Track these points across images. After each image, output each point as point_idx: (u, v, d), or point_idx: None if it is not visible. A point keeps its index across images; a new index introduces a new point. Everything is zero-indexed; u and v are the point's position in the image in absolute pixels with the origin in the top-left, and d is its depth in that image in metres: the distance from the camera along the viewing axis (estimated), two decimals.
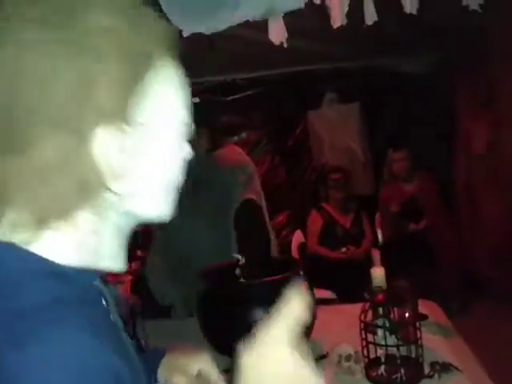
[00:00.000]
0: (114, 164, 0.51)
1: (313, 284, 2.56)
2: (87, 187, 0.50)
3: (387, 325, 1.43)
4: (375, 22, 1.96)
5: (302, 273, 2.01)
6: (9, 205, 0.49)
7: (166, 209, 0.59)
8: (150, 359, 0.89)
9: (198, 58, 3.24)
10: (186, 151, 0.60)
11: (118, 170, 0.51)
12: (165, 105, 0.55)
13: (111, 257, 0.56)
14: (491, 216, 3.49)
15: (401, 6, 1.84)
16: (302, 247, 3.68)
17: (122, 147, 0.51)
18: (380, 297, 1.51)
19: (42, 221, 0.49)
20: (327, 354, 1.57)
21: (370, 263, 2.72)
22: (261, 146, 4.66)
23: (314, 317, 1.73)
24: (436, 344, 1.59)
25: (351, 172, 3.88)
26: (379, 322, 1.44)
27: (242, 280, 1.81)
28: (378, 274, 1.71)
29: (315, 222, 3.65)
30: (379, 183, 4.00)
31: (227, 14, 1.58)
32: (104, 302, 0.56)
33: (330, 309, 2.23)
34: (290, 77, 4.17)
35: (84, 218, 0.52)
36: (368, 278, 1.74)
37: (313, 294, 1.83)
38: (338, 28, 2.16)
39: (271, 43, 1.93)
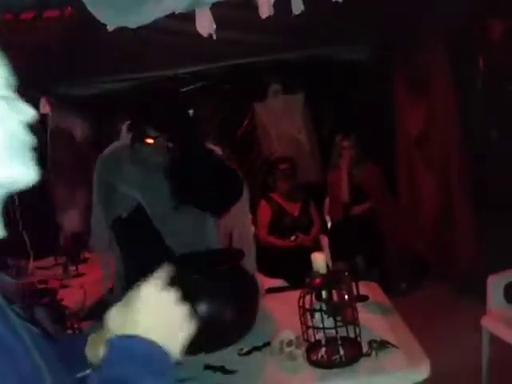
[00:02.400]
0: None
1: (264, 273, 2.59)
2: None
3: (325, 308, 1.46)
4: (308, 12, 1.98)
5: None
6: None
7: (22, 173, 0.61)
8: (76, 344, 0.93)
9: (138, 52, 3.21)
10: (23, 112, 0.61)
11: None
12: None
13: None
14: (430, 198, 3.63)
15: None
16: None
17: None
18: (318, 281, 1.54)
19: None
20: (270, 341, 1.59)
21: (319, 250, 2.78)
22: (209, 139, 4.64)
23: (257, 304, 1.76)
24: (375, 323, 1.64)
25: (298, 162, 3.93)
26: (316, 305, 1.47)
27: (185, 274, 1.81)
28: (317, 259, 1.74)
29: (264, 212, 3.68)
30: (327, 171, 4.07)
31: (151, 6, 1.56)
32: None
33: (278, 297, 2.26)
34: (234, 70, 4.16)
35: None
36: None
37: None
38: (273, 18, 2.18)
39: (201, 35, 1.92)
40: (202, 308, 1.64)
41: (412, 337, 1.58)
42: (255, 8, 2.19)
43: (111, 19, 1.60)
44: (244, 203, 2.09)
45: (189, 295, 1.68)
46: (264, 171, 4.07)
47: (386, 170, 3.85)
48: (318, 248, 3.32)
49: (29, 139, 0.62)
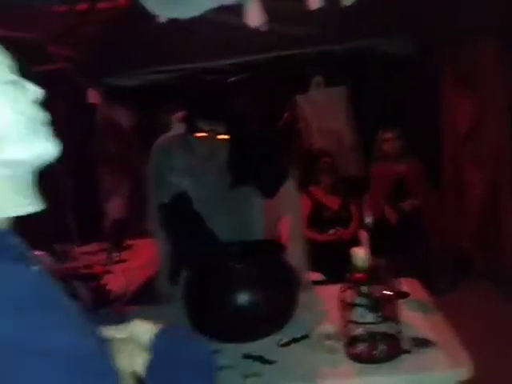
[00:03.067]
0: None
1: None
2: None
3: (366, 303, 1.45)
4: (357, 3, 1.96)
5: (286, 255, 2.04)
6: None
7: (40, 147, 0.63)
8: None
9: (179, 44, 3.26)
10: (32, 91, 0.64)
11: None
12: None
13: (14, 202, 0.61)
14: (476, 195, 3.53)
15: None
16: None
17: None
18: (359, 276, 1.53)
19: None
20: (309, 333, 1.60)
21: (358, 244, 2.75)
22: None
23: (297, 296, 1.77)
24: (416, 321, 1.62)
25: (339, 155, 3.89)
26: (357, 300, 1.46)
27: (228, 263, 1.84)
28: (358, 254, 1.73)
29: (304, 205, 3.67)
30: (368, 165, 4.01)
31: None
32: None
33: (316, 290, 2.26)
34: (276, 61, 4.15)
35: None
36: None
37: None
38: (318, 10, 2.16)
39: (249, 27, 1.93)
40: (242, 297, 1.67)
41: (454, 336, 1.55)
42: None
43: (163, 10, 1.63)
44: (291, 189, 2.12)
45: (226, 284, 1.72)
46: (305, 164, 4.05)
47: (430, 166, 3.77)
48: (357, 242, 3.28)
49: (42, 115, 0.65)
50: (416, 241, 3.52)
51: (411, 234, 3.54)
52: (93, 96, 3.59)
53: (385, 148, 3.67)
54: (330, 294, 1.87)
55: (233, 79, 4.29)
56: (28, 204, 0.62)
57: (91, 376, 0.52)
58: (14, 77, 0.63)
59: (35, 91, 0.65)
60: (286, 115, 4.79)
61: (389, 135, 3.64)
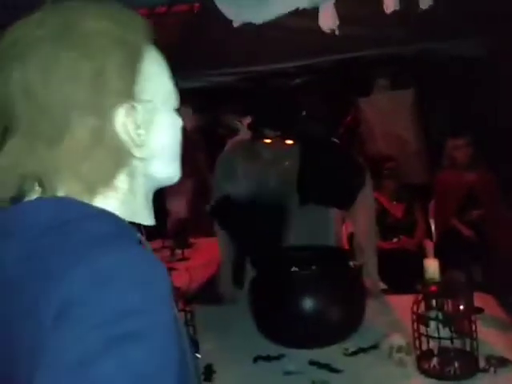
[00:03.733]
0: (133, 136, 0.64)
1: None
2: (119, 156, 0.63)
3: (440, 317, 1.40)
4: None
5: (352, 263, 2.01)
6: (62, 183, 0.61)
7: (176, 171, 0.72)
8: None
9: (245, 46, 3.28)
10: (179, 120, 0.72)
11: (137, 141, 0.64)
12: (159, 82, 0.69)
13: (144, 213, 0.69)
14: None
15: None
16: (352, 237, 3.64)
17: (136, 121, 0.64)
18: (433, 288, 1.48)
19: (91, 189, 0.61)
20: (377, 344, 1.56)
21: (422, 254, 2.66)
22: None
23: (364, 305, 1.73)
24: (492, 338, 1.55)
25: (403, 161, 3.78)
26: (432, 313, 1.41)
27: (293, 268, 1.83)
28: (431, 265, 1.68)
29: None
30: (434, 172, 3.87)
31: (276, 2, 1.58)
32: None
33: (387, 299, 2.20)
34: (340, 64, 4.10)
35: (121, 181, 0.65)
36: (420, 269, 1.71)
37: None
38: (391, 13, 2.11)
39: (320, 30, 1.91)
40: (308, 303, 1.66)
41: None
42: (373, 2, 2.14)
43: (237, 15, 1.65)
44: (367, 196, 2.06)
45: (294, 289, 1.71)
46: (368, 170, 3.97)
47: (503, 176, 3.58)
48: (422, 252, 3.18)
49: (182, 143, 0.73)
50: (483, 254, 3.36)
51: (478, 247, 3.38)
52: None
53: (455, 155, 3.52)
54: (399, 305, 1.82)
55: (297, 81, 4.29)
56: (148, 217, 0.70)
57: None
58: (177, 105, 0.72)
59: (181, 121, 0.73)
60: (348, 119, 4.73)
61: (459, 142, 3.49)
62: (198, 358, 0.88)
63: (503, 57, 3.67)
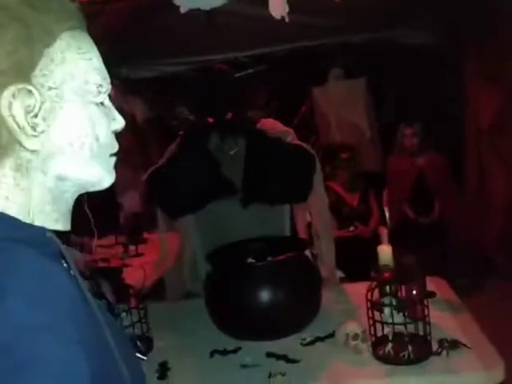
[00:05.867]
0: (22, 123, 0.57)
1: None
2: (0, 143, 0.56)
3: (394, 303, 1.41)
4: None
5: (308, 252, 2.00)
6: None
7: (103, 175, 0.65)
8: None
9: (197, 35, 3.21)
10: (117, 119, 0.66)
11: (28, 130, 0.57)
12: (74, 70, 0.61)
13: (49, 216, 0.61)
14: (500, 192, 3.44)
15: None
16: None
17: (29, 107, 0.57)
18: (386, 275, 1.49)
19: None
20: (334, 332, 1.56)
21: (377, 241, 2.69)
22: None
23: (320, 295, 1.73)
24: (444, 321, 1.57)
25: (358, 150, 3.81)
26: (386, 300, 1.42)
27: (250, 260, 1.80)
28: (384, 252, 1.69)
29: None
30: (387, 160, 3.93)
31: None
32: (63, 261, 0.61)
33: (343, 288, 2.21)
34: (293, 53, 4.09)
35: (4, 173, 0.58)
36: (376, 256, 1.72)
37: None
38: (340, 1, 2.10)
39: (272, 18, 1.88)
40: (264, 295, 1.64)
41: (485, 337, 1.50)
42: None
43: (185, 1, 1.59)
44: (318, 184, 2.02)
45: (250, 281, 1.68)
46: (322, 159, 3.99)
47: (452, 161, 3.68)
48: (377, 240, 3.23)
49: (115, 146, 0.66)
50: (436, 238, 3.45)
51: (431, 232, 3.47)
52: None
53: (405, 143, 3.59)
54: (355, 292, 1.83)
55: (250, 71, 4.24)
56: (56, 221, 0.62)
57: None
58: (108, 101, 0.65)
59: (119, 122, 0.66)
60: (303, 109, 4.73)
61: (409, 130, 3.56)
62: (143, 359, 0.84)
63: (450, 45, 3.76)
